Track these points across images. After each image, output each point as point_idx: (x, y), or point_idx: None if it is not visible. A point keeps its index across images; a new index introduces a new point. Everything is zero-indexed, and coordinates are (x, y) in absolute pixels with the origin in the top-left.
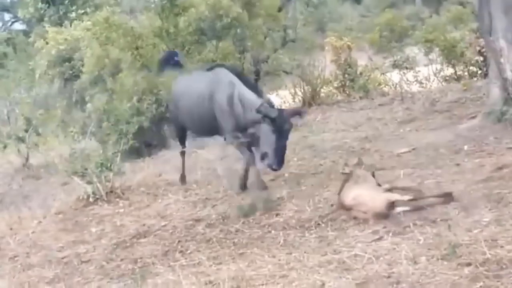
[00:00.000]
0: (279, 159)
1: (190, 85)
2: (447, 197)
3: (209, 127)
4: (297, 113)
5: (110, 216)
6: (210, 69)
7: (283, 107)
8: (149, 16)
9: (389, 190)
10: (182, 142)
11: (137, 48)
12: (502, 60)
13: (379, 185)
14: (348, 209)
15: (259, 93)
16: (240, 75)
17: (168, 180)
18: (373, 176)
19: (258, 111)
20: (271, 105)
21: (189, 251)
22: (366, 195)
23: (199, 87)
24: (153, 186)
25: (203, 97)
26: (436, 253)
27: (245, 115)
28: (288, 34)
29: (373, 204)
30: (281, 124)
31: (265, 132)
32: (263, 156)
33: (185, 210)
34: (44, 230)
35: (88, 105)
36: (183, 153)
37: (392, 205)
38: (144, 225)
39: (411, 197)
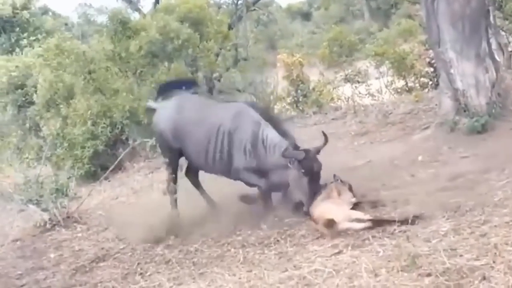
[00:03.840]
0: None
1: (204, 116)
2: (404, 222)
3: (220, 165)
4: (321, 147)
5: (68, 241)
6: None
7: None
8: (101, 40)
9: (357, 204)
10: (174, 172)
11: (89, 73)
12: (452, 70)
13: (354, 197)
14: (315, 222)
15: (283, 132)
16: (264, 113)
17: (125, 202)
18: (350, 189)
19: (283, 155)
20: (295, 146)
21: (148, 273)
22: (331, 211)
23: (217, 120)
24: (111, 209)
25: (221, 132)
26: (396, 265)
27: (268, 158)
28: (240, 52)
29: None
30: (310, 165)
31: (295, 178)
32: (298, 206)
33: (143, 232)
34: (2, 258)
35: (44, 128)
36: (173, 187)
37: (331, 223)
38: (102, 248)
39: (368, 222)
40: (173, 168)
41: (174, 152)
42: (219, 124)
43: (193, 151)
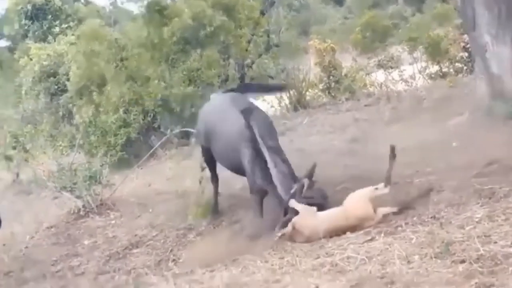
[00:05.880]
0: None
1: (223, 122)
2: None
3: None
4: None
5: (102, 228)
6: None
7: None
8: (133, 26)
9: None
10: (213, 170)
11: (121, 60)
12: (487, 55)
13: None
14: None
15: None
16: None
17: (158, 189)
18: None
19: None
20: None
21: (181, 260)
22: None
23: (230, 130)
24: (144, 197)
25: (232, 143)
26: (429, 252)
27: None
28: (272, 38)
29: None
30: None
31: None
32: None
33: (176, 219)
34: (37, 244)
35: (76, 116)
36: (215, 180)
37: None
38: (136, 235)
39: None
40: (210, 166)
41: (207, 150)
42: (230, 135)
43: (217, 155)
